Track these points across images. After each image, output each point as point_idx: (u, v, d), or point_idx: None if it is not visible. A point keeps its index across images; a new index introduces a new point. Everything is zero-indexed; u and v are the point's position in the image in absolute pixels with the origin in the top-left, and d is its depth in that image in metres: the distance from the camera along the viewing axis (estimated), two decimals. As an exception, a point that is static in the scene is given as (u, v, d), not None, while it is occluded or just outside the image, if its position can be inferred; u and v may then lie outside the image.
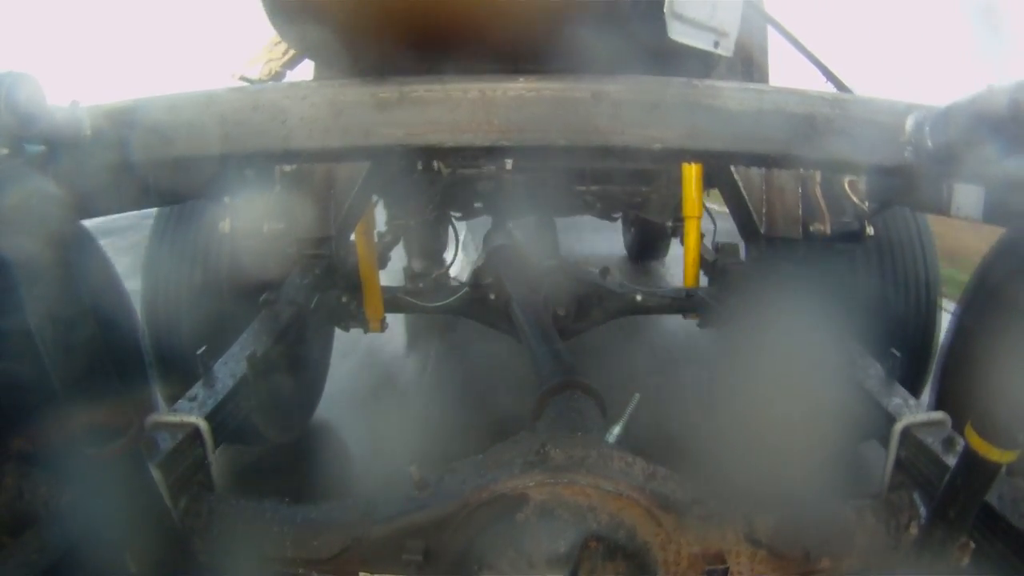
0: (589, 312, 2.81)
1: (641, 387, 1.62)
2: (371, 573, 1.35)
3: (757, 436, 2.05)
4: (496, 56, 1.16)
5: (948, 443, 1.40)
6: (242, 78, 1.86)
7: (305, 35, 1.26)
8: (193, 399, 1.70)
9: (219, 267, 2.51)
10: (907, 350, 2.33)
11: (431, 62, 1.14)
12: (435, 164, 2.75)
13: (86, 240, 1.91)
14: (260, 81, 1.86)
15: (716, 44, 1.28)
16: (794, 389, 1.86)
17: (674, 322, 3.64)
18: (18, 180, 0.96)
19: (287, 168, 2.27)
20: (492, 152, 1.25)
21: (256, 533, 1.40)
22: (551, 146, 1.19)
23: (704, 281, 2.91)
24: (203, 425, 1.56)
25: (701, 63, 1.37)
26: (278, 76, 1.93)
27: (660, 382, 3.52)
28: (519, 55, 1.17)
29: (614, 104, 1.16)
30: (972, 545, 1.24)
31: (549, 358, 2.04)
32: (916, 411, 1.55)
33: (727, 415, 2.82)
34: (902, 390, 1.67)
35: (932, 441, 1.42)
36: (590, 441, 1.39)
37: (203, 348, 1.80)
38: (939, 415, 1.51)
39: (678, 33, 1.20)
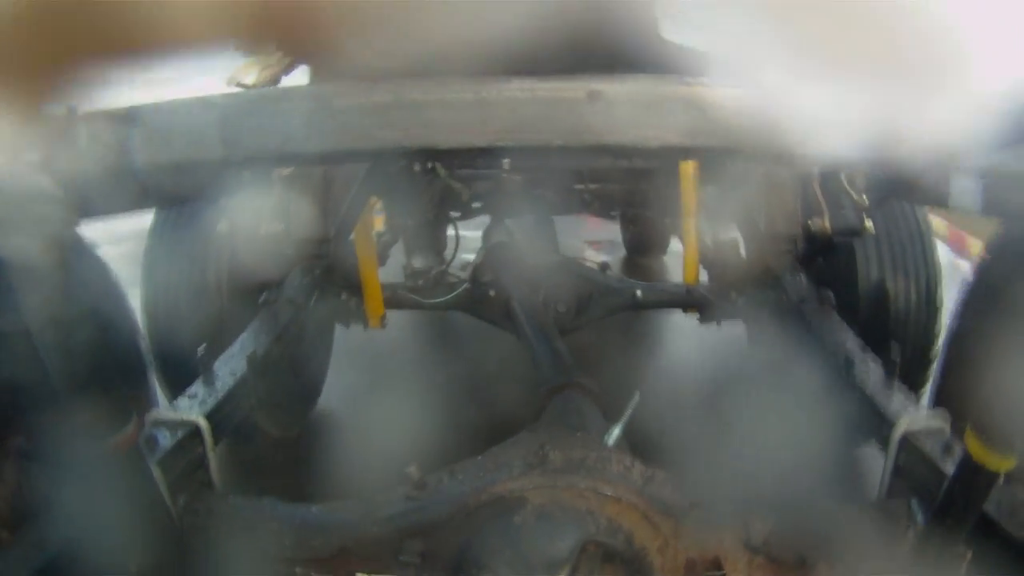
0: (589, 308, 2.81)
1: (636, 383, 1.61)
2: (369, 573, 1.35)
3: (754, 436, 2.05)
4: (491, 57, 1.16)
5: (947, 449, 1.40)
6: (238, 84, 1.86)
7: (300, 40, 1.26)
8: (193, 397, 1.71)
9: (218, 269, 2.51)
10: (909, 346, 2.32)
11: (426, 64, 1.14)
12: (432, 164, 2.75)
13: (83, 243, 1.92)
14: (256, 86, 1.86)
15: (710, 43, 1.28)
16: (792, 390, 1.86)
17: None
18: (17, 182, 0.96)
19: (285, 171, 2.27)
20: (489, 153, 1.25)
21: (255, 532, 1.40)
22: (547, 146, 1.18)
23: (705, 277, 2.91)
24: (203, 423, 1.57)
25: (696, 61, 1.37)
26: (274, 81, 1.93)
27: (655, 377, 3.52)
28: (514, 55, 1.17)
29: (609, 103, 1.16)
30: (969, 554, 1.24)
31: (549, 356, 2.05)
32: (916, 416, 1.54)
33: (724, 413, 2.83)
34: (902, 394, 1.66)
35: (931, 447, 1.42)
36: (589, 443, 1.39)
37: (203, 346, 1.80)
38: (938, 421, 1.50)
39: (671, 32, 1.20)
